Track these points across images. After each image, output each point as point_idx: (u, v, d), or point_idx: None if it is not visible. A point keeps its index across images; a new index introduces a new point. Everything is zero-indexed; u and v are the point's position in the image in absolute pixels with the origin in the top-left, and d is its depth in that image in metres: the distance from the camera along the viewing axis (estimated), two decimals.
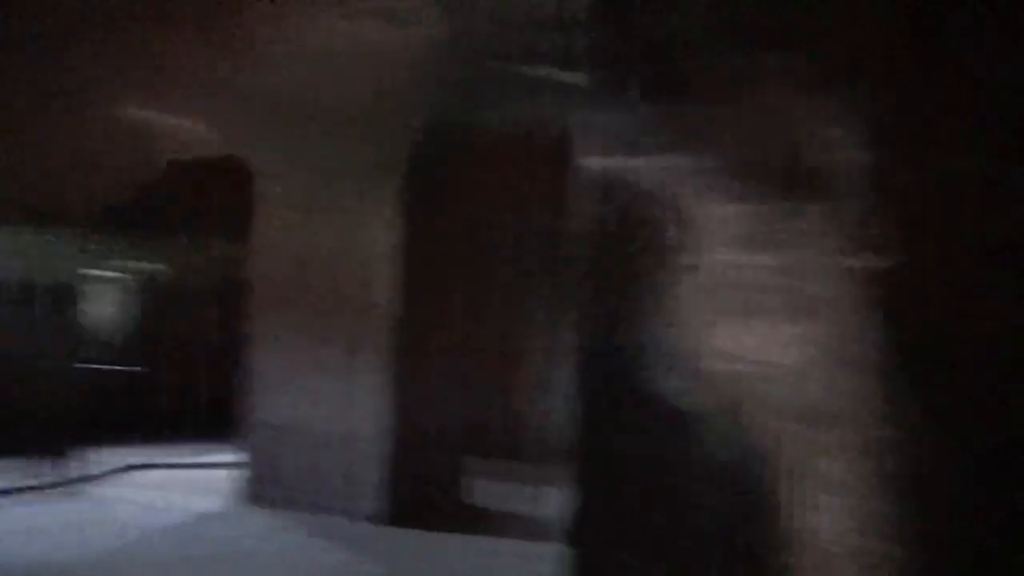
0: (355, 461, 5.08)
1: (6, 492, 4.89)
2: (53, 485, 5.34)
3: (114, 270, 10.11)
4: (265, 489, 5.21)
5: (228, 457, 5.79)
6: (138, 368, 10.09)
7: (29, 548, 3.86)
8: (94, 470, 6.05)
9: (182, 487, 5.83)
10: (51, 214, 7.41)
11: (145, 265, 10.19)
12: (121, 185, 7.65)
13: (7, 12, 5.29)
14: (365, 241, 5.40)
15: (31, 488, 5.16)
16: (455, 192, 5.78)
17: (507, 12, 4.38)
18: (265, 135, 5.80)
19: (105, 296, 10.62)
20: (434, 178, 5.51)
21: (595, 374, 2.10)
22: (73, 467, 6.21)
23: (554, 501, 2.56)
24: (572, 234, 2.29)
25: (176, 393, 9.86)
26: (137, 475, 6.20)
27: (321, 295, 5.46)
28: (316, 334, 5.38)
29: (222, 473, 5.73)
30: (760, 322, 1.84)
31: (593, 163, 2.26)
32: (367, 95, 5.43)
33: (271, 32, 5.70)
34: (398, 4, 5.06)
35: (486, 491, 5.15)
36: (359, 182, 5.49)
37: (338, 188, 5.51)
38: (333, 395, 5.24)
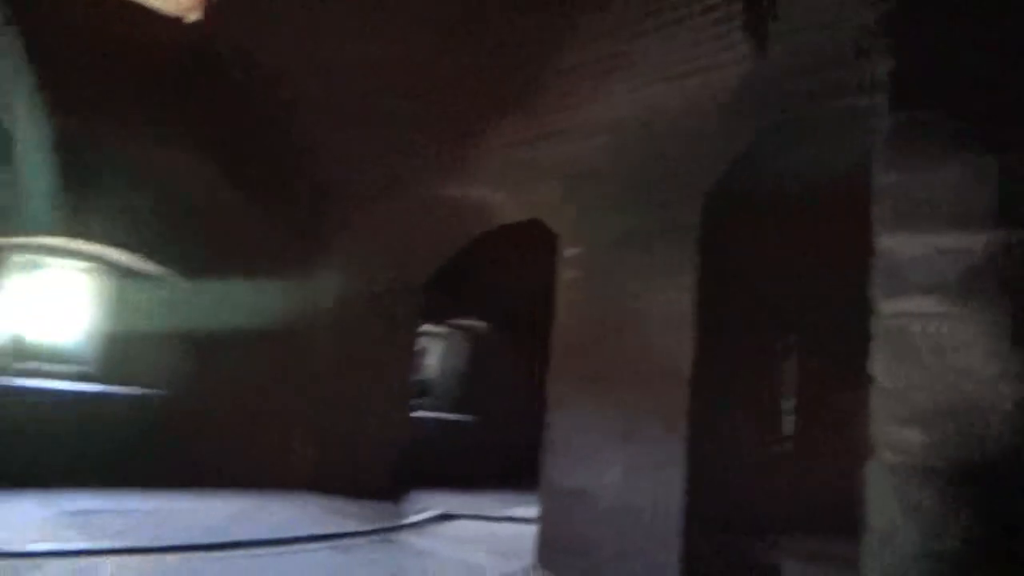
0: (653, 537, 4.86)
1: (327, 537, 5.49)
2: (374, 531, 5.89)
3: (444, 326, 11.23)
4: (555, 555, 5.22)
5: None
6: (464, 418, 11.02)
7: None
8: (412, 517, 6.64)
9: (489, 541, 6.10)
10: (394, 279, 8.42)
11: (471, 322, 11.11)
12: (444, 252, 8.45)
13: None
14: (663, 305, 5.23)
15: (355, 533, 5.73)
16: (753, 250, 5.38)
17: (798, 58, 3.98)
18: (568, 200, 5.97)
19: (436, 349, 11.84)
20: (729, 236, 5.18)
21: None
22: (393, 513, 6.91)
23: None
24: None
25: (495, 445, 10.51)
26: (448, 525, 6.66)
27: (617, 360, 5.40)
28: (612, 400, 5.32)
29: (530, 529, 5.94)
30: None
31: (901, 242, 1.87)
32: (657, 157, 5.33)
33: (566, 104, 5.91)
34: (686, 67, 4.90)
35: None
36: (656, 244, 5.37)
37: (636, 252, 5.44)
38: (630, 465, 5.11)
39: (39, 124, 6.78)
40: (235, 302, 8.35)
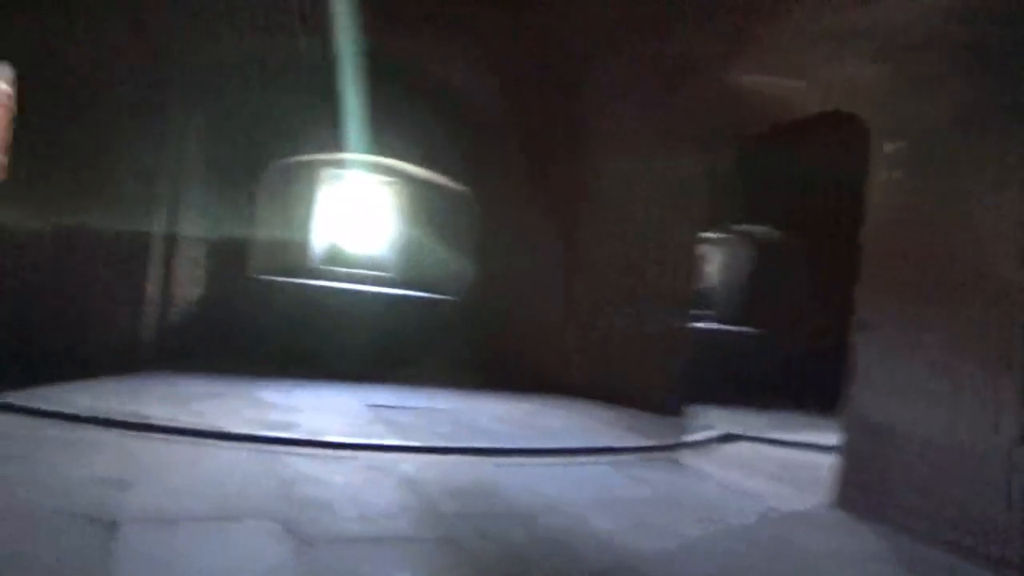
0: (981, 487, 4.05)
1: (605, 451, 5.37)
2: (652, 448, 5.69)
3: (727, 231, 10.45)
4: (857, 495, 4.60)
5: (830, 441, 5.34)
6: (747, 330, 10.32)
7: (599, 521, 4.05)
8: (692, 435, 6.34)
9: (775, 468, 5.63)
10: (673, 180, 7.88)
11: (757, 227, 10.20)
12: (730, 150, 7.68)
13: None
14: (1000, 208, 4.18)
15: (633, 449, 5.58)
16: None
17: None
18: (886, 83, 4.97)
19: (718, 256, 11.12)
20: None
21: None
22: (671, 428, 6.65)
23: None
24: None
25: (780, 361, 9.73)
26: (731, 447, 6.26)
27: (943, 275, 4.47)
28: (934, 322, 4.45)
29: (821, 459, 5.37)
30: None
31: None
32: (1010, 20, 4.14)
33: None
34: None
35: None
36: (994, 132, 4.26)
37: (971, 143, 4.38)
38: (953, 400, 4.28)
39: (354, 48, 7.24)
40: (515, 211, 8.47)
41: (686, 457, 5.66)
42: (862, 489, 4.61)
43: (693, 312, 9.31)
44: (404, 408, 6.12)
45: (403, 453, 4.70)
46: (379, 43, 7.13)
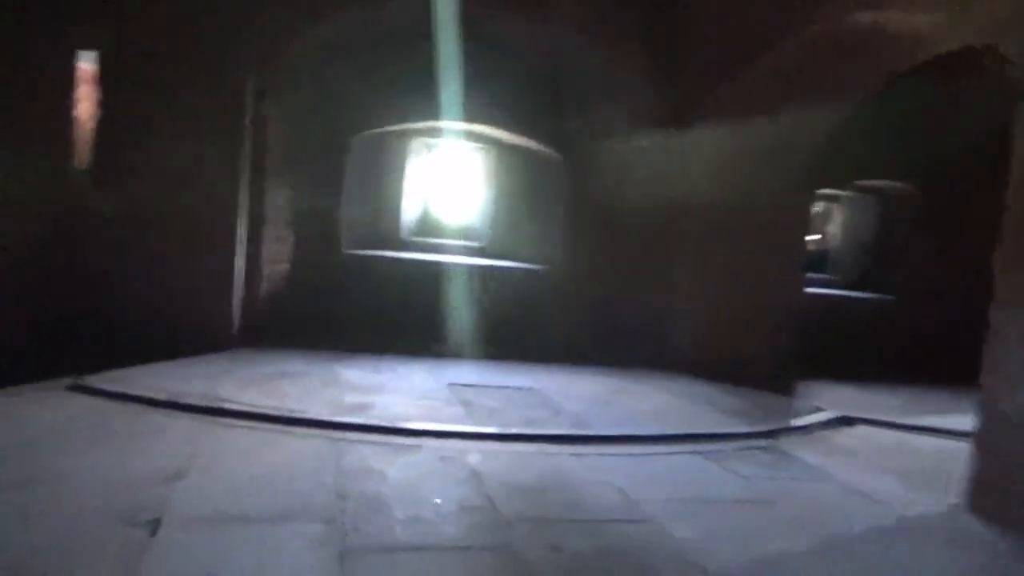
0: None
1: (695, 438, 4.90)
2: (753, 435, 5.16)
3: (848, 188, 9.51)
4: (996, 500, 3.94)
5: (961, 426, 4.67)
6: (869, 296, 9.39)
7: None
8: (802, 418, 5.73)
9: (900, 460, 4.98)
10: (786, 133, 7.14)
11: (882, 183, 9.20)
12: (850, 99, 6.85)
13: None
14: None
15: (729, 436, 5.07)
16: None
17: None
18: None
19: (837, 215, 10.16)
20: None
21: None
22: (779, 408, 6.05)
23: None
24: None
25: (906, 331, 8.79)
26: (846, 432, 5.62)
27: None
28: None
29: (956, 447, 4.69)
30: None
31: None
32: None
33: None
34: None
35: None
36: None
37: None
38: None
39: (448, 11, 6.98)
40: (617, 178, 7.97)
41: (794, 445, 5.10)
42: (1000, 494, 3.94)
43: (809, 276, 8.56)
44: (486, 387, 5.88)
45: (473, 441, 4.44)
46: (473, 6, 6.82)
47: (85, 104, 6.34)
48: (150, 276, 6.09)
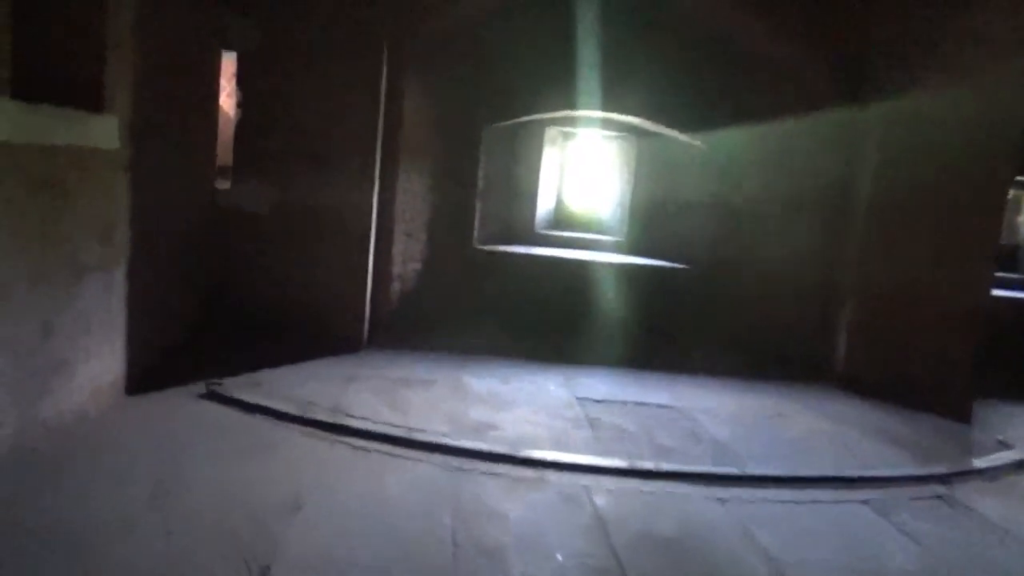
0: None
1: (857, 482, 4.27)
2: (923, 478, 4.46)
3: None
4: None
5: None
6: None
7: None
8: (987, 458, 4.92)
9: None
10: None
11: None
12: None
13: None
14: None
15: (895, 479, 4.40)
16: None
17: None
18: None
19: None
20: None
21: None
22: (958, 439, 5.25)
23: None
24: None
25: None
26: None
27: None
28: None
29: None
30: None
31: None
32: None
33: None
34: None
35: None
36: None
37: None
38: None
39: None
40: (765, 168, 7.29)
41: (975, 494, 4.37)
42: None
43: (998, 276, 7.47)
44: (620, 403, 5.49)
45: (603, 476, 4.09)
46: None
47: (227, 100, 6.48)
48: (285, 275, 6.17)
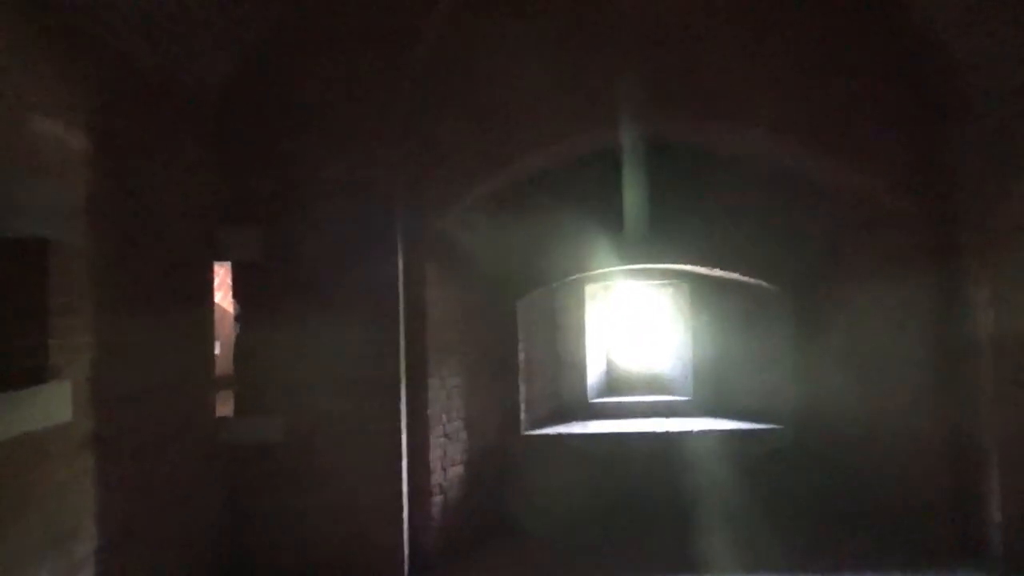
0: None
1: None
2: None
3: None
4: None
5: None
6: None
7: None
8: None
9: None
10: None
11: None
12: None
13: None
14: None
15: None
16: None
17: None
18: None
19: None
20: None
21: None
22: None
23: None
24: None
25: None
26: None
27: None
28: None
29: None
30: None
31: None
32: None
33: None
34: None
35: None
36: None
37: None
38: None
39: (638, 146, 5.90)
40: (857, 312, 6.23)
41: None
42: None
43: None
44: None
45: None
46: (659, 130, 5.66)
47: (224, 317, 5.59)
48: (305, 507, 5.07)
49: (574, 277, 6.82)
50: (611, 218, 6.45)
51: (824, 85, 5.51)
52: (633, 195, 6.18)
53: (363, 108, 5.17)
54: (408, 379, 5.40)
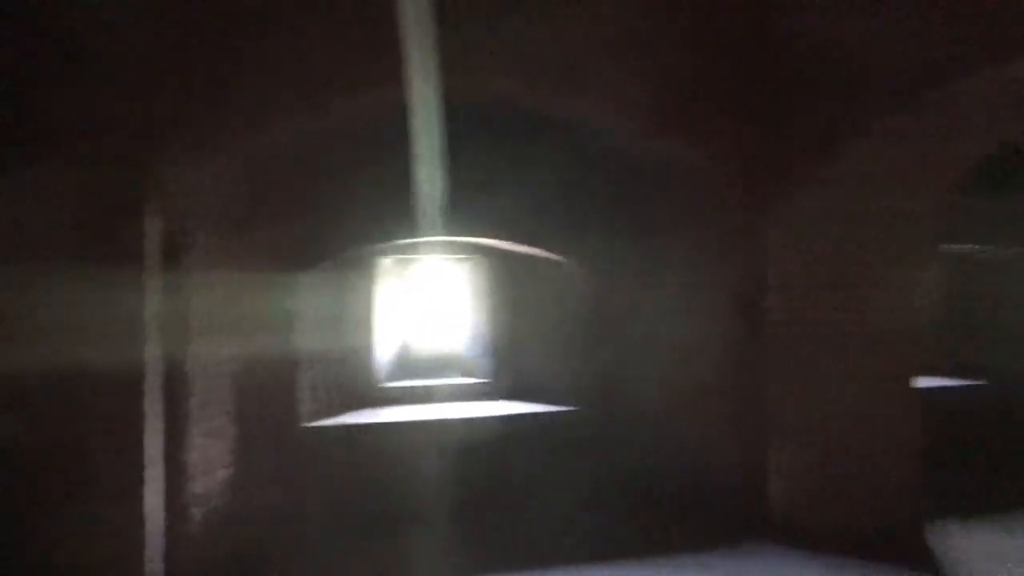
0: None
1: None
2: None
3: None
4: None
5: None
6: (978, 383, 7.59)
7: None
8: None
9: None
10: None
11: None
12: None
13: None
14: None
15: None
16: None
17: None
18: None
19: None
20: None
21: None
22: None
23: None
24: None
25: None
26: None
27: None
28: None
29: None
30: None
31: None
32: None
33: None
34: None
35: None
36: None
37: None
38: None
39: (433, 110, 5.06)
40: (656, 286, 6.05)
41: None
42: None
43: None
44: None
45: None
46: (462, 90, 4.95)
47: None
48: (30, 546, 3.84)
49: (365, 249, 6.03)
50: (408, 187, 5.74)
51: (664, 59, 5.17)
52: (432, 163, 5.50)
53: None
54: (165, 348, 4.32)
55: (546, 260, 6.52)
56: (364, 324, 6.68)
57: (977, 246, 7.30)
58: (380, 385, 6.69)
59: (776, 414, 5.40)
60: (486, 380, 6.88)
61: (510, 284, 6.88)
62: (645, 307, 6.17)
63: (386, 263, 6.86)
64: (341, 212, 5.68)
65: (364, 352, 6.67)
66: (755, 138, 5.32)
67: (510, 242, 6.18)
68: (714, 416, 5.73)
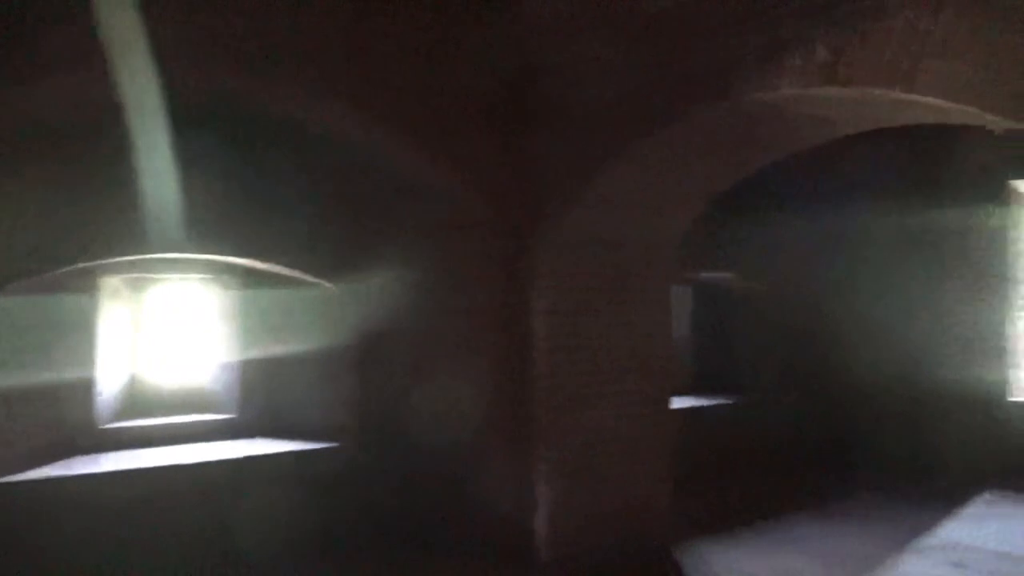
0: None
1: None
2: None
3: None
4: None
5: None
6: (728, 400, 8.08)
7: None
8: None
9: None
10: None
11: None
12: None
13: None
14: None
15: None
16: None
17: None
18: None
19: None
20: None
21: None
22: None
23: None
24: None
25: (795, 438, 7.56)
26: None
27: None
28: None
29: None
30: None
31: None
32: None
33: None
34: None
35: None
36: None
37: None
38: None
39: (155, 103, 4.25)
40: (422, 312, 5.74)
41: None
42: None
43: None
44: None
45: None
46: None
47: None
48: None
49: (82, 266, 5.15)
50: (137, 195, 4.97)
51: (412, 68, 4.83)
52: (158, 169, 4.78)
53: None
54: None
55: (303, 282, 5.98)
56: (83, 355, 5.69)
57: (725, 274, 7.82)
58: (102, 427, 5.73)
59: (544, 443, 5.27)
60: (232, 416, 6.17)
61: (264, 309, 6.23)
62: (411, 335, 5.84)
63: (113, 283, 5.93)
64: (53, 223, 4.80)
65: (83, 388, 5.68)
66: (510, 163, 5.20)
67: (259, 261, 5.59)
68: (482, 449, 5.50)
